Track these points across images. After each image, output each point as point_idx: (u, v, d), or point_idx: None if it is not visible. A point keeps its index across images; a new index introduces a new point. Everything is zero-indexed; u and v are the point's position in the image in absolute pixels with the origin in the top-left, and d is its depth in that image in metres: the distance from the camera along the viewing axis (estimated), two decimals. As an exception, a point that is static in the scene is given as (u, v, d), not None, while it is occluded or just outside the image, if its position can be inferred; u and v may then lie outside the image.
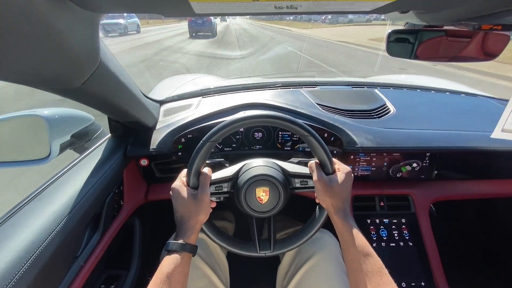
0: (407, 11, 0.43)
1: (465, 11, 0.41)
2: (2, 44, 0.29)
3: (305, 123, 0.62)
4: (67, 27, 0.34)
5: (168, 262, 0.51)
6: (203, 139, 0.60)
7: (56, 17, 0.32)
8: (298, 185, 0.66)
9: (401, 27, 0.69)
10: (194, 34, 15.18)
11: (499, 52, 0.70)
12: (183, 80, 1.62)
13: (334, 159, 0.64)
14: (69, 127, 0.89)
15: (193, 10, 0.35)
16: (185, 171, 0.63)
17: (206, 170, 0.62)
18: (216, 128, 0.61)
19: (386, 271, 0.51)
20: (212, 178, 0.63)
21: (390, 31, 0.71)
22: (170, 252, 0.53)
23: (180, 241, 0.54)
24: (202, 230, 0.62)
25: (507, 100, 1.25)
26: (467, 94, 1.29)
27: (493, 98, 1.27)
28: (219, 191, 0.65)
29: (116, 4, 0.33)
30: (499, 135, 0.64)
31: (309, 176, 0.65)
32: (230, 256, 0.83)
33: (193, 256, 0.56)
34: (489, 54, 0.70)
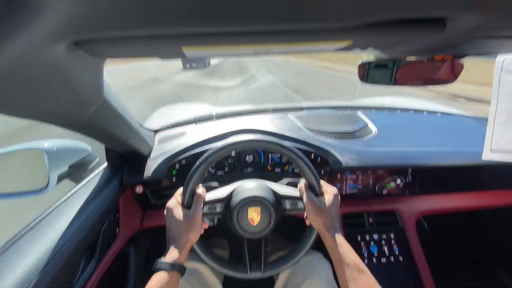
0: (365, 48, 0.51)
1: (413, 49, 0.49)
2: (24, 88, 0.35)
3: (294, 146, 0.67)
4: (78, 71, 0.40)
5: (156, 281, 0.52)
6: (199, 160, 0.64)
7: (69, 64, 0.38)
8: (288, 206, 0.69)
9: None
10: (188, 66, 16.07)
11: (458, 74, 0.78)
12: (177, 109, 1.70)
13: (321, 181, 0.67)
14: (67, 158, 0.93)
15: (184, 55, 0.42)
16: (180, 190, 0.65)
17: (200, 190, 0.65)
18: (211, 151, 0.65)
19: (379, 286, 0.52)
20: (206, 199, 0.66)
21: (362, 61, 0.78)
22: (158, 270, 0.54)
23: (169, 260, 0.55)
24: (194, 252, 0.64)
25: (480, 117, 1.35)
26: (442, 113, 1.38)
27: (467, 116, 1.37)
28: (212, 211, 0.67)
29: (121, 51, 0.39)
30: (489, 156, 0.64)
31: (299, 198, 0.67)
32: (225, 284, 0.84)
33: (181, 276, 0.56)
34: (454, 76, 0.79)
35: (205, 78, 11.84)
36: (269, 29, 0.33)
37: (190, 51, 0.39)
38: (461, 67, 0.73)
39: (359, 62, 0.80)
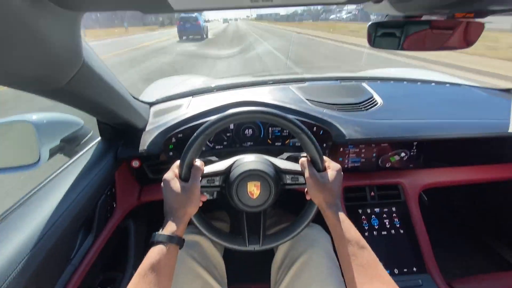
0: (380, 1, 0.44)
1: (433, 2, 0.43)
2: None
3: (295, 118, 0.63)
4: (47, 26, 0.35)
5: (154, 254, 0.51)
6: (197, 132, 0.61)
7: (34, 17, 0.32)
8: (289, 181, 0.67)
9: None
10: (184, 38, 15.63)
11: (476, 38, 0.72)
12: (173, 82, 1.63)
13: (324, 157, 0.65)
14: (58, 132, 0.89)
15: (171, 7, 0.36)
16: (177, 162, 0.63)
17: (198, 163, 0.63)
18: (210, 122, 0.61)
19: (380, 263, 0.52)
20: (204, 171, 0.64)
21: (371, 22, 0.72)
22: (156, 243, 0.53)
23: (167, 233, 0.54)
24: (191, 222, 0.62)
25: (489, 89, 1.29)
26: (451, 84, 1.32)
27: (476, 87, 1.30)
28: (211, 184, 0.65)
29: (96, 2, 0.34)
30: None
31: (300, 173, 0.66)
32: (226, 255, 0.84)
33: (180, 248, 0.56)
34: (469, 42, 0.73)
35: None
36: None
37: (175, 1, 0.33)
38: (481, 28, 0.67)
39: (368, 24, 0.74)
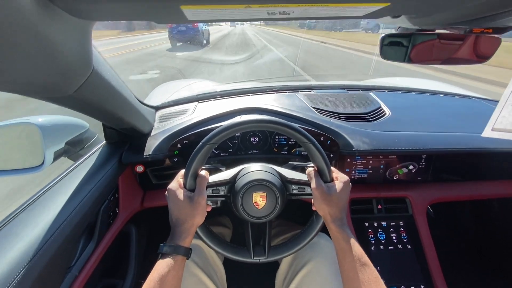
0: (398, 16, 0.43)
1: (455, 15, 0.41)
2: None
3: (301, 127, 0.62)
4: (58, 35, 0.34)
5: (162, 265, 0.50)
6: (202, 141, 0.60)
7: (46, 25, 0.31)
8: (295, 191, 0.66)
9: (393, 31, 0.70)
10: (178, 45, 12.27)
11: (491, 54, 0.71)
12: (178, 86, 1.62)
13: (332, 168, 0.63)
14: (63, 135, 0.89)
15: (185, 17, 0.35)
16: (182, 172, 0.62)
17: (203, 172, 0.62)
18: (216, 131, 0.61)
19: (381, 281, 0.51)
20: (209, 181, 0.63)
21: (383, 35, 0.72)
22: (164, 255, 0.53)
23: (174, 244, 0.54)
24: (196, 234, 0.61)
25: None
26: (460, 96, 1.30)
27: (487, 99, 1.28)
28: (216, 194, 0.64)
29: (109, 11, 0.33)
30: (489, 134, 0.66)
31: (307, 183, 0.64)
32: (227, 262, 0.82)
33: (187, 259, 0.56)
34: (481, 57, 0.71)
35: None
36: None
37: (191, 12, 0.32)
38: (498, 43, 0.65)
39: (380, 35, 0.73)
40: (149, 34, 22.81)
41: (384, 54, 0.75)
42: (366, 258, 0.53)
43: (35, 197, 0.65)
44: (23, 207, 0.61)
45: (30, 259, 0.51)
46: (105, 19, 0.36)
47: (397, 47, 0.71)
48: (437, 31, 0.65)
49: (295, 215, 1.06)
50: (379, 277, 0.51)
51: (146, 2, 0.29)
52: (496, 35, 0.58)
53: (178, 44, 12.33)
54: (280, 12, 0.33)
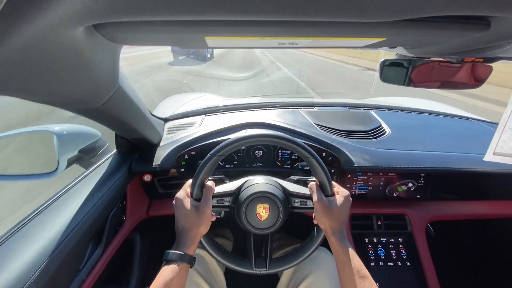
0: (395, 47, 0.48)
1: (445, 48, 0.46)
2: (42, 72, 0.34)
3: (305, 142, 0.65)
4: (97, 57, 0.39)
5: (167, 272, 0.52)
6: (210, 153, 0.63)
7: (87, 49, 0.36)
8: (297, 204, 0.68)
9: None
10: (181, 58, 11.49)
11: (485, 78, 0.75)
12: (186, 99, 1.68)
13: (333, 183, 0.66)
14: (77, 143, 0.93)
15: (206, 44, 0.40)
16: (190, 182, 0.65)
17: (209, 183, 0.64)
18: (223, 143, 0.64)
19: None
20: (215, 191, 0.65)
21: (383, 59, 0.76)
22: (169, 262, 0.54)
23: (180, 251, 0.55)
24: (200, 243, 0.63)
25: (498, 124, 1.30)
26: (459, 117, 1.34)
27: (485, 121, 1.32)
28: (221, 204, 0.66)
29: (142, 38, 0.38)
30: (491, 158, 0.68)
31: (309, 197, 0.66)
32: (227, 273, 0.84)
33: (191, 267, 0.57)
34: (478, 80, 0.75)
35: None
36: (300, 19, 0.30)
37: (213, 41, 0.37)
38: (490, 70, 0.70)
39: (380, 60, 0.77)
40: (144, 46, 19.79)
41: (384, 76, 0.78)
42: (365, 271, 0.55)
43: (51, 200, 0.68)
44: (39, 210, 0.64)
45: (45, 260, 0.54)
46: (136, 44, 0.41)
47: (397, 68, 0.74)
48: (434, 59, 0.69)
49: (296, 229, 1.07)
50: None
51: (176, 33, 0.34)
52: (487, 64, 0.62)
53: (181, 57, 11.57)
54: (290, 43, 0.38)
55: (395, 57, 0.73)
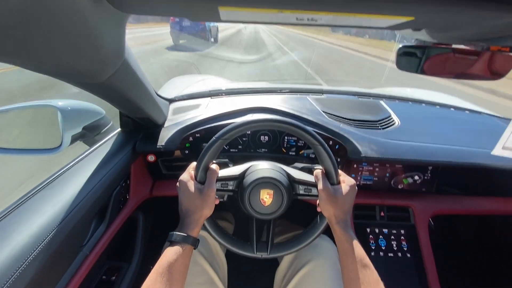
0: (420, 29, 0.45)
1: (475, 33, 0.43)
2: (46, 39, 0.32)
3: (314, 130, 0.64)
4: (101, 26, 0.36)
5: (171, 253, 0.52)
6: (216, 136, 0.62)
7: (94, 17, 0.34)
8: (301, 192, 0.68)
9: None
10: (182, 42, 10.20)
11: (506, 72, 0.71)
12: (192, 80, 1.65)
13: (339, 171, 0.65)
14: (81, 119, 0.92)
15: (219, 16, 0.37)
16: (194, 164, 0.64)
17: (214, 166, 0.64)
18: (229, 127, 0.62)
19: (382, 283, 0.52)
20: (219, 175, 0.65)
21: (401, 45, 0.73)
22: (172, 243, 0.54)
23: (184, 233, 0.55)
24: (203, 226, 0.63)
25: (510, 119, 1.27)
26: (471, 111, 1.30)
27: (497, 116, 1.29)
28: (224, 188, 0.66)
29: (149, 7, 0.35)
30: (499, 152, 0.67)
31: (314, 184, 0.66)
32: (229, 255, 0.85)
33: (194, 249, 0.57)
34: (496, 73, 0.72)
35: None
36: None
37: (227, 12, 0.35)
38: (513, 61, 0.66)
39: (398, 46, 0.74)
40: (141, 28, 17.26)
41: (398, 63, 0.76)
42: (367, 260, 0.55)
43: (54, 177, 0.68)
44: (43, 184, 0.64)
45: (48, 234, 0.54)
46: (143, 13, 0.39)
47: (410, 58, 0.72)
48: (453, 46, 0.66)
49: (297, 217, 1.08)
50: (380, 279, 0.53)
51: (186, 1, 0.32)
52: (512, 54, 0.59)
53: (181, 41, 10.22)
54: (309, 18, 0.35)
55: (413, 43, 0.70)
